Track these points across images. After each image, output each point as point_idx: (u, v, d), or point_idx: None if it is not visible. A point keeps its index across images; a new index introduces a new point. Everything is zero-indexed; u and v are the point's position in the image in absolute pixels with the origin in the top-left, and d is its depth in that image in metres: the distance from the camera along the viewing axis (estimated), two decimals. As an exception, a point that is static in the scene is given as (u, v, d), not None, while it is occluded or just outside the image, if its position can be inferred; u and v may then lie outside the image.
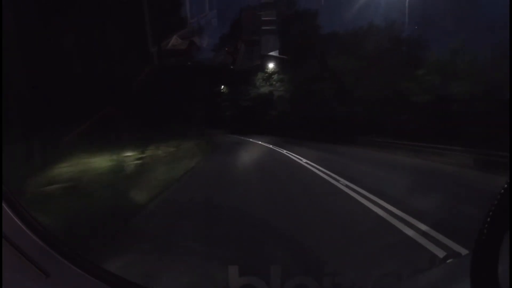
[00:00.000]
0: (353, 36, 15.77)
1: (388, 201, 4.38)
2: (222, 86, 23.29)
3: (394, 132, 12.27)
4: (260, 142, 16.48)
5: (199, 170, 8.14)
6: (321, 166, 7.73)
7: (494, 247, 0.58)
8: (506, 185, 0.57)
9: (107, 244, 2.98)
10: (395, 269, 2.05)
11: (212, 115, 22.65)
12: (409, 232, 3.24)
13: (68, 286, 0.92)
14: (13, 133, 4.86)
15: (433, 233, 3.14)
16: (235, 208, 4.34)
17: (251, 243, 3.06)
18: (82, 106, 6.63)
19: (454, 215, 3.97)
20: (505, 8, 9.00)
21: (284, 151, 11.64)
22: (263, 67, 18.92)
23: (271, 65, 19.00)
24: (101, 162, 6.22)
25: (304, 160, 9.08)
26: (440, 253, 2.68)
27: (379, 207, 4.18)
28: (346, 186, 5.54)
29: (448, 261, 1.41)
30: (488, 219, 0.57)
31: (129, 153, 7.39)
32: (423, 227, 3.33)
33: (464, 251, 2.55)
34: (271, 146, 14.15)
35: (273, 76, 20.43)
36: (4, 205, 0.90)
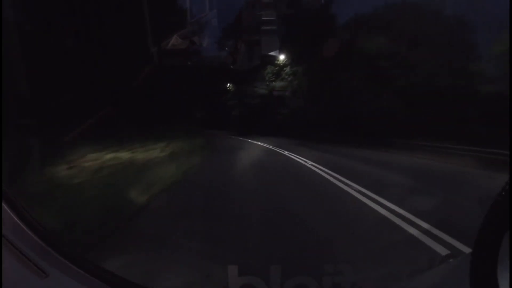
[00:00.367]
0: (385, 13, 13.01)
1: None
2: (228, 84, 21.02)
3: (453, 134, 8.69)
4: (271, 147, 11.99)
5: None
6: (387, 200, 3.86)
7: (493, 247, 0.57)
8: (506, 185, 0.56)
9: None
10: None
11: (215, 115, 21.80)
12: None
13: (68, 286, 0.92)
14: (13, 133, 4.86)
15: None
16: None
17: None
18: (82, 106, 6.63)
19: None
20: None
21: (309, 163, 7.31)
22: (272, 60, 16.65)
23: (281, 57, 16.77)
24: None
25: (353, 185, 4.76)
26: None
27: None
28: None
29: (448, 261, 1.41)
30: (488, 219, 0.57)
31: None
32: None
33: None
34: (286, 153, 9.69)
35: (284, 69, 17.61)
36: (4, 205, 0.90)
